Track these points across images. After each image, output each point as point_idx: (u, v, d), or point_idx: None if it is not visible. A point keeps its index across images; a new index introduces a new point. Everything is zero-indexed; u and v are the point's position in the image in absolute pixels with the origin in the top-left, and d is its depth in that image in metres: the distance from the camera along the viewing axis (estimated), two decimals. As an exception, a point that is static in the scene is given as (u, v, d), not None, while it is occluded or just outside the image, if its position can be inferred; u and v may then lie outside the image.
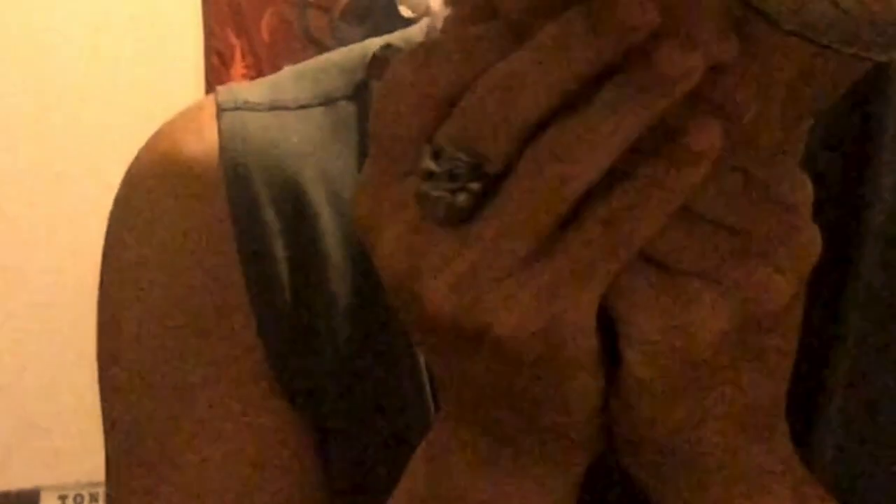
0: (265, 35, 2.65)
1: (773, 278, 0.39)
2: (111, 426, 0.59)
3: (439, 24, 0.59)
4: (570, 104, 0.37)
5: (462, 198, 0.37)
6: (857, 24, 0.30)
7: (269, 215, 0.56)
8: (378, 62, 0.43)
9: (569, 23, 0.36)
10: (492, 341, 0.38)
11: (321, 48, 2.54)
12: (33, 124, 2.47)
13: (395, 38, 0.60)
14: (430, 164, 0.38)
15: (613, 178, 0.37)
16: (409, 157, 0.39)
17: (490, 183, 0.38)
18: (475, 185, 0.37)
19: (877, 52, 0.31)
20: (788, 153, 0.51)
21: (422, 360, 0.55)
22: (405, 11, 2.73)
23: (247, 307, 0.56)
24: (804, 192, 0.40)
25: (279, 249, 0.56)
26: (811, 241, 0.40)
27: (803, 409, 0.50)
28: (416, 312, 0.39)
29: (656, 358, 0.39)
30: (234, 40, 2.63)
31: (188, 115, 0.60)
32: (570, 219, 0.38)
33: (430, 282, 0.38)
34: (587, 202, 0.37)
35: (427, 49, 0.39)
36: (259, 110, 0.58)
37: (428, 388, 0.55)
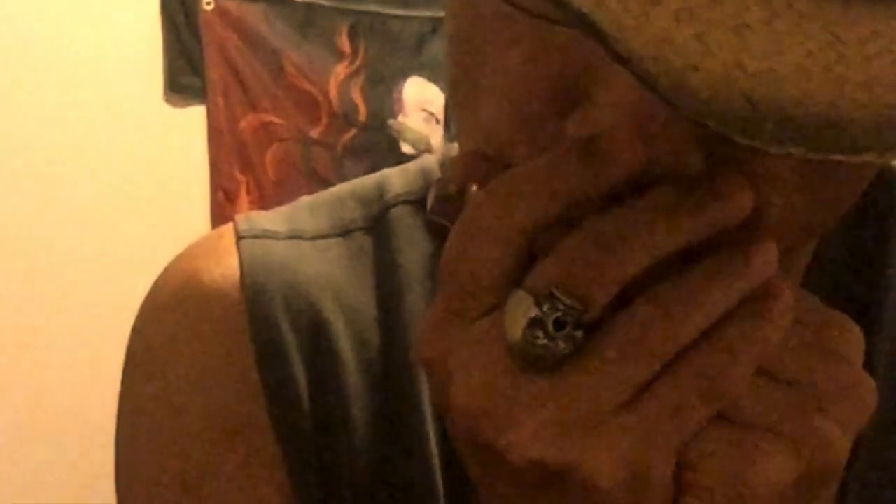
0: (270, 171, 2.68)
1: (834, 433, 0.39)
2: None
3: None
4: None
5: (563, 345, 0.37)
6: (763, 118, 0.32)
7: (290, 340, 0.56)
8: (439, 191, 0.43)
9: (684, 188, 0.38)
10: (576, 487, 0.38)
11: (325, 184, 2.55)
12: (43, 251, 2.49)
13: (412, 168, 0.61)
14: (531, 311, 0.38)
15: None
16: (486, 298, 0.39)
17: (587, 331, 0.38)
18: (578, 333, 0.37)
19: (776, 147, 0.32)
20: (796, 276, 0.52)
21: (440, 487, 0.55)
22: (406, 148, 2.77)
23: (269, 430, 0.56)
24: (857, 343, 0.41)
25: (300, 374, 0.56)
26: (869, 394, 0.41)
27: None
28: (495, 455, 0.39)
29: None
30: (239, 177, 2.66)
31: (207, 242, 0.60)
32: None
33: (518, 426, 0.38)
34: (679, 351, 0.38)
35: (501, 188, 0.39)
36: (277, 238, 0.59)
37: None
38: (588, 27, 0.31)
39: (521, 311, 0.38)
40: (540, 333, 0.38)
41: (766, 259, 0.38)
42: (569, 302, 0.37)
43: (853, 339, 0.41)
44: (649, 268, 0.38)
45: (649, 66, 0.31)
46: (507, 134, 0.41)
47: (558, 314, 0.37)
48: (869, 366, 0.52)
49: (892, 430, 0.53)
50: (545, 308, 0.37)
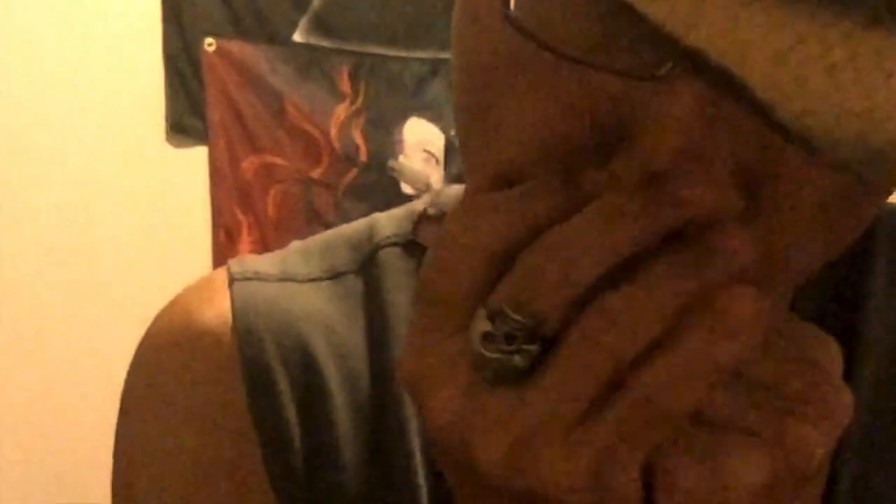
0: (271, 212, 2.69)
1: (809, 435, 0.40)
2: None
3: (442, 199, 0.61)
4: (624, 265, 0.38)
5: (517, 359, 0.38)
6: (882, 158, 0.32)
7: (281, 381, 0.57)
8: (425, 220, 0.44)
9: (626, 193, 0.38)
10: (543, 499, 0.39)
11: (325, 225, 2.58)
12: (44, 290, 2.49)
13: (401, 211, 0.62)
14: (485, 326, 0.38)
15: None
16: (459, 315, 0.39)
17: (545, 343, 0.38)
18: (532, 347, 0.38)
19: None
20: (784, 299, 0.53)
21: None
22: (406, 188, 2.78)
23: (260, 468, 0.57)
24: (831, 352, 0.42)
25: (290, 412, 0.57)
26: (843, 401, 0.41)
27: None
28: (467, 470, 0.40)
29: None
30: (241, 217, 2.67)
31: (201, 285, 0.61)
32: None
33: (483, 442, 0.38)
34: (635, 362, 0.38)
35: (478, 206, 0.40)
36: (269, 281, 0.60)
37: None
38: (710, 72, 0.31)
39: (478, 327, 0.39)
40: (493, 348, 0.38)
41: (724, 257, 0.38)
42: (517, 317, 0.38)
43: (830, 351, 0.42)
44: (604, 276, 0.37)
45: (776, 114, 0.32)
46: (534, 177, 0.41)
47: (507, 328, 0.38)
48: (852, 388, 0.53)
49: (877, 454, 0.54)
50: (496, 323, 0.38)
